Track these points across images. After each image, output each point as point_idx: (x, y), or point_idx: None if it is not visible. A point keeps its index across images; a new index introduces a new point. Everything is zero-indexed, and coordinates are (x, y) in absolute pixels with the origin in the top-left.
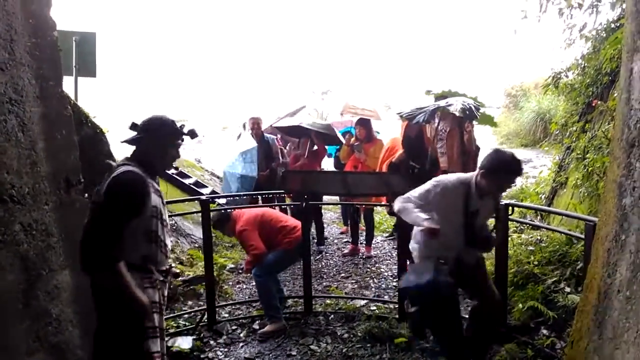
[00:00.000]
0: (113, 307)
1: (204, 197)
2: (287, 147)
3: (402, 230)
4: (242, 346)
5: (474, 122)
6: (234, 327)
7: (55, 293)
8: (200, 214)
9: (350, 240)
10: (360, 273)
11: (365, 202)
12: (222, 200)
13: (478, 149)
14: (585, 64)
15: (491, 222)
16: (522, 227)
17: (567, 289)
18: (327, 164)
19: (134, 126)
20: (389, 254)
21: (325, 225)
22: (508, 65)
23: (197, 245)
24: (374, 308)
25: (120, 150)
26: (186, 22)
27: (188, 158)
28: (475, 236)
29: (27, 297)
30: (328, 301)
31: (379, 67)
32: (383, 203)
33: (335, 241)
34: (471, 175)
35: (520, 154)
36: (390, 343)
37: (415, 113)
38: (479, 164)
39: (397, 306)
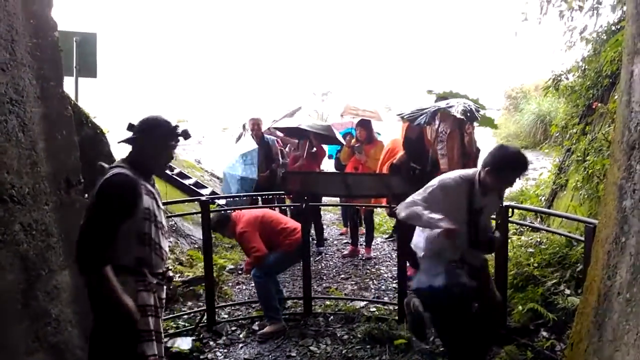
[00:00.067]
0: (105, 310)
1: (203, 198)
2: (287, 149)
3: (402, 232)
4: (241, 347)
5: (475, 124)
6: (233, 328)
7: (54, 293)
8: (200, 215)
9: (350, 242)
10: (360, 274)
11: (365, 204)
12: (222, 201)
13: (478, 150)
14: (586, 66)
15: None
16: (522, 229)
17: (567, 291)
18: (328, 165)
19: (130, 127)
20: (389, 256)
21: (325, 227)
22: (508, 67)
23: (196, 246)
24: (374, 309)
25: (120, 151)
26: (186, 23)
27: (188, 159)
28: (479, 236)
29: (26, 297)
30: (328, 302)
31: (380, 68)
32: (383, 204)
33: (335, 242)
34: (473, 172)
35: None
36: (390, 344)
37: (416, 114)
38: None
39: (396, 308)
